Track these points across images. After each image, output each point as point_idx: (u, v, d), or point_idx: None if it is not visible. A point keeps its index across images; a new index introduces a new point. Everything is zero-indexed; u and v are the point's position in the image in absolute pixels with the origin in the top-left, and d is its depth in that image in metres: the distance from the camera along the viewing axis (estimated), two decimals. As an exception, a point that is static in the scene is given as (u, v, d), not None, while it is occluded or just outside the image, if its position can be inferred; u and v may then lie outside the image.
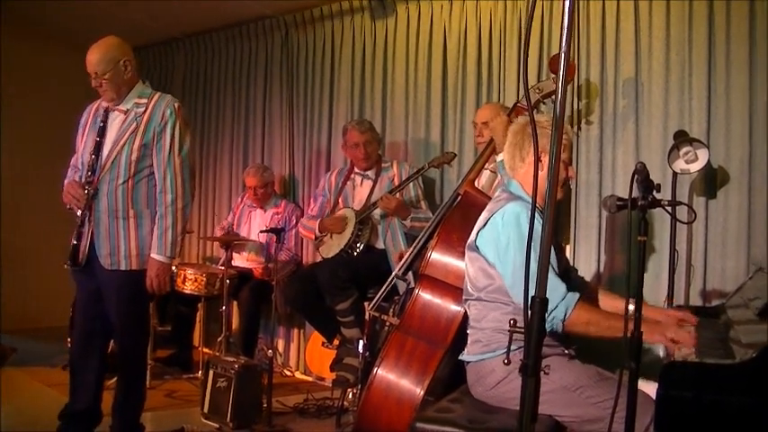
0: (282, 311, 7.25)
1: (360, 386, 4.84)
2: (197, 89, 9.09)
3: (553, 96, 4.58)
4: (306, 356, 7.17)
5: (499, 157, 4.49)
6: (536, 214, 2.34)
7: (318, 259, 6.62)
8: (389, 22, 7.04)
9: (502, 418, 3.44)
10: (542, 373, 2.11)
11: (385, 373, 4.27)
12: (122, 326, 4.73)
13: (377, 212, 6.19)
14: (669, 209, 3.63)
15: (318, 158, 7.64)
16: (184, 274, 6.89)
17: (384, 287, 5.16)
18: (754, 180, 4.85)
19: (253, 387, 5.54)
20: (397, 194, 5.93)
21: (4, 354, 7.04)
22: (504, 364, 2.82)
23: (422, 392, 4.15)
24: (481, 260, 3.68)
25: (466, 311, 3.89)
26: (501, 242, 3.57)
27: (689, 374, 2.80)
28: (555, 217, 4.88)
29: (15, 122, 8.30)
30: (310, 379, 7.31)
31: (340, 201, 6.51)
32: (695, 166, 4.69)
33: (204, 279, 6.83)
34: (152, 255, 4.66)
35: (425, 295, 4.42)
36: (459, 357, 3.79)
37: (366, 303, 5.56)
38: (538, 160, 2.33)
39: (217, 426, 5.48)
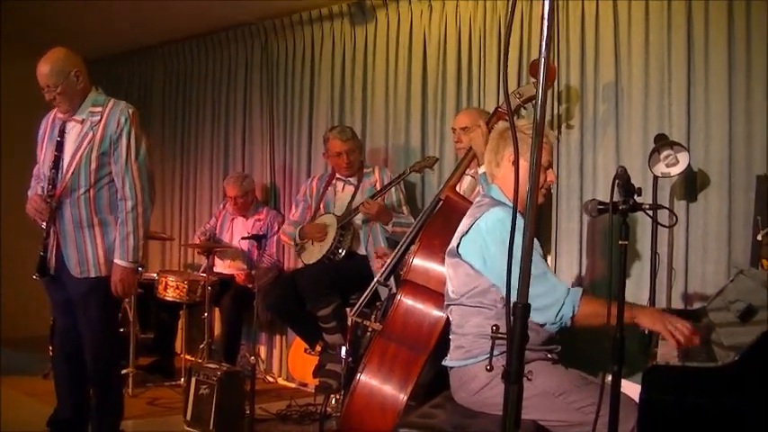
0: (264, 318, 7.23)
1: (343, 392, 4.84)
2: (177, 96, 9.05)
3: (533, 101, 4.60)
4: (288, 363, 7.16)
5: (481, 169, 4.49)
6: (518, 219, 2.33)
7: (300, 265, 6.59)
8: (369, 28, 7.04)
9: (485, 424, 3.43)
10: (525, 379, 2.11)
11: (368, 379, 4.27)
12: (93, 332, 4.72)
13: (358, 218, 6.18)
14: (650, 212, 3.64)
15: (299, 164, 7.62)
16: (166, 282, 6.87)
17: (366, 293, 5.16)
18: (734, 183, 4.87)
19: (235, 394, 5.52)
20: (379, 199, 5.92)
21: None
22: (487, 370, 2.81)
23: (405, 398, 4.15)
24: (465, 266, 3.66)
25: (448, 317, 3.88)
26: (488, 250, 3.56)
27: (672, 377, 2.80)
28: (536, 222, 4.87)
29: (14, 132, 8.27)
30: (293, 385, 7.29)
31: (321, 206, 6.49)
32: (676, 170, 4.70)
33: (186, 286, 6.81)
34: (115, 260, 4.67)
35: (407, 301, 4.42)
36: (443, 363, 3.78)
37: (348, 309, 5.57)
38: (518, 165, 2.32)
39: (199, 433, 5.47)
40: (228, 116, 8.40)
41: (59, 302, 4.84)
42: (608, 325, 3.33)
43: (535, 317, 3.37)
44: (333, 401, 5.60)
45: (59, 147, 4.71)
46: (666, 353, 3.16)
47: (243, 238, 7.07)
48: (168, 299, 6.88)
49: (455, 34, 6.35)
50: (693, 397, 2.77)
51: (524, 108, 5.16)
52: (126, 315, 6.69)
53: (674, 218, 4.73)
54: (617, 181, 3.14)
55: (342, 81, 7.26)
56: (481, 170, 4.51)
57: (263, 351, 7.79)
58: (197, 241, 7.69)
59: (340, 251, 6.11)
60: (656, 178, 4.81)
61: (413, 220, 5.45)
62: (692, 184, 5.05)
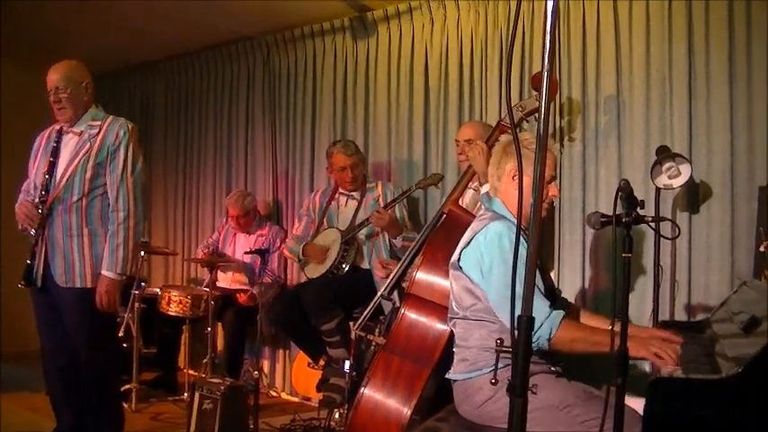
0: (267, 332, 7.23)
1: (347, 406, 4.84)
2: (179, 111, 9.06)
3: (536, 114, 4.61)
4: (292, 377, 7.16)
5: (484, 188, 4.49)
6: (522, 234, 2.34)
7: (303, 280, 6.60)
8: (371, 42, 7.06)
9: (489, 437, 3.44)
10: (532, 393, 2.11)
11: (372, 393, 4.27)
12: (82, 344, 4.71)
13: (362, 232, 6.19)
14: (653, 225, 3.65)
15: (302, 179, 7.63)
16: (169, 296, 6.87)
17: (370, 307, 5.16)
18: (736, 194, 4.87)
19: (239, 408, 5.52)
20: (389, 210, 5.92)
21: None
22: (492, 383, 2.81)
23: (409, 412, 4.16)
24: (465, 279, 3.67)
25: (452, 330, 3.88)
26: (485, 263, 3.56)
27: (675, 390, 2.80)
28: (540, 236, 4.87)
29: (15, 143, 8.28)
30: (296, 399, 7.29)
31: (324, 221, 6.49)
32: (678, 182, 4.70)
33: (189, 301, 6.81)
34: (102, 271, 4.66)
35: (411, 314, 4.42)
36: (446, 376, 3.78)
37: (352, 323, 5.56)
38: (521, 179, 2.33)
39: (204, 448, 5.47)
40: (231, 131, 8.41)
41: (45, 313, 4.80)
42: (590, 353, 3.35)
43: None
44: (337, 416, 5.60)
45: (55, 153, 4.75)
46: (668, 367, 3.16)
47: (246, 253, 7.08)
48: (171, 314, 6.87)
49: (456, 47, 6.37)
50: (697, 409, 2.77)
51: (527, 121, 5.17)
52: (129, 330, 6.68)
53: (677, 230, 4.74)
54: (620, 193, 3.14)
55: (344, 95, 7.28)
56: (483, 189, 4.51)
57: (266, 365, 7.77)
58: (200, 256, 7.69)
59: (343, 266, 6.12)
60: (658, 190, 4.82)
61: (417, 236, 5.45)
62: (694, 196, 5.06)
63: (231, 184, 8.30)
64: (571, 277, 5.55)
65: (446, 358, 3.96)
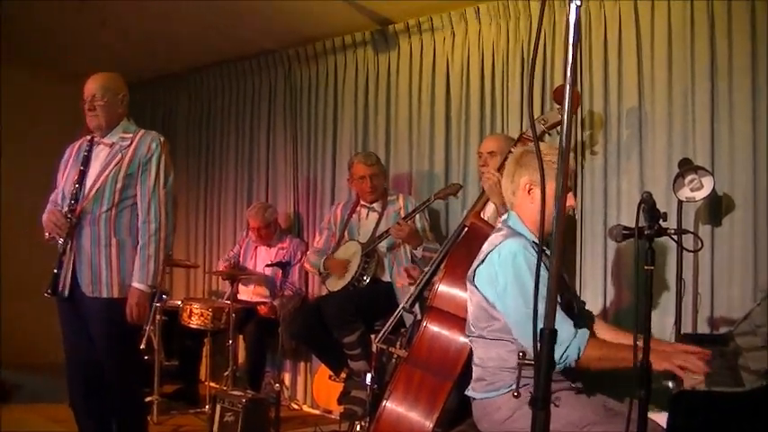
0: (288, 345, 7.22)
1: (368, 419, 4.83)
2: (200, 124, 9.11)
3: (558, 127, 4.60)
4: (313, 389, 7.17)
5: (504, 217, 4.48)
6: (537, 251, 2.33)
7: (324, 292, 6.61)
8: (392, 55, 7.08)
9: (511, 452, 3.43)
10: (552, 406, 2.11)
11: (394, 406, 4.27)
12: (107, 355, 4.70)
13: (383, 245, 6.21)
14: (675, 237, 3.64)
15: (323, 192, 7.65)
16: (190, 309, 6.89)
17: (391, 319, 5.16)
18: (759, 207, 4.86)
19: (260, 421, 5.54)
20: (409, 222, 5.93)
21: (5, 391, 7.04)
22: (515, 396, 2.81)
23: (431, 425, 4.14)
24: (479, 296, 3.64)
25: (472, 344, 3.87)
26: (499, 283, 3.52)
27: (699, 403, 2.79)
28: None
29: (16, 154, 8.34)
30: (318, 412, 7.29)
31: (346, 234, 6.51)
32: (700, 194, 4.69)
33: (210, 313, 6.83)
34: (133, 283, 4.66)
35: (433, 327, 4.41)
36: (465, 393, 3.77)
37: (373, 336, 5.56)
38: (544, 193, 2.32)
39: (225, 461, 5.48)
40: (252, 144, 8.45)
41: (71, 323, 4.80)
42: (615, 369, 3.33)
43: None
44: (358, 428, 5.59)
45: (86, 161, 4.77)
46: (692, 377, 3.15)
47: (267, 266, 7.09)
48: (193, 326, 6.90)
49: (478, 61, 6.39)
50: (721, 423, 2.77)
51: (549, 134, 5.14)
52: (150, 342, 6.70)
53: (700, 242, 4.72)
54: (642, 206, 3.14)
55: (365, 108, 7.30)
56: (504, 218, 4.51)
57: (287, 378, 7.80)
58: (221, 269, 7.72)
59: (365, 278, 6.13)
60: (680, 203, 4.80)
61: (440, 247, 5.45)
62: (716, 209, 5.05)
63: (252, 197, 8.34)
64: (593, 290, 5.53)
65: (468, 371, 3.95)
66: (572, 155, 5.49)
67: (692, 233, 4.14)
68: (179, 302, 7.25)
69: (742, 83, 4.97)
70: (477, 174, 5.79)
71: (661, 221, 3.19)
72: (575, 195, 5.57)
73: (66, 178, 4.86)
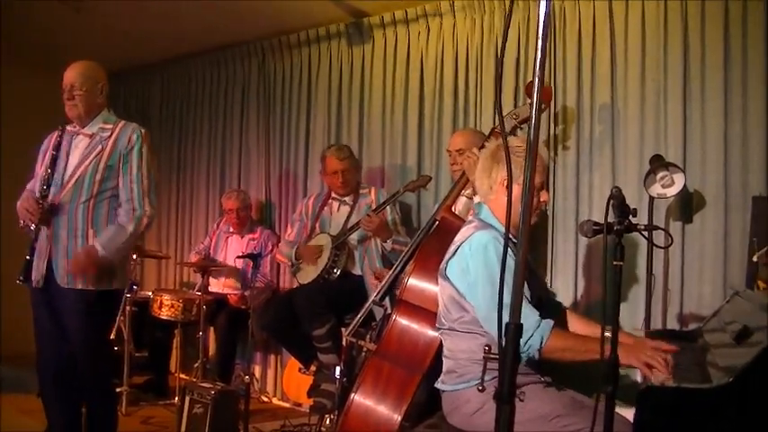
0: (259, 338, 7.20)
1: (337, 412, 4.82)
2: (174, 114, 9.09)
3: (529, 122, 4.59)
4: (283, 382, 7.16)
5: (476, 199, 4.47)
6: (508, 242, 2.32)
7: (295, 285, 6.59)
8: (366, 48, 7.06)
9: (479, 446, 3.43)
10: (518, 400, 2.10)
11: (362, 399, 4.26)
12: (79, 346, 4.66)
13: (353, 238, 6.19)
14: (645, 233, 3.64)
15: (295, 183, 7.63)
16: (161, 300, 6.87)
17: (361, 313, 5.15)
18: (730, 204, 4.88)
19: (229, 413, 5.51)
20: (379, 214, 5.92)
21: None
22: (479, 390, 2.79)
23: (399, 418, 4.13)
24: (451, 289, 3.64)
25: (442, 337, 3.86)
26: (470, 274, 3.54)
27: (666, 399, 2.79)
28: (529, 243, 4.87)
29: (14, 149, 8.28)
30: (287, 405, 7.29)
31: (317, 226, 6.49)
32: (672, 191, 4.70)
33: (181, 305, 6.81)
34: (96, 241, 4.62)
35: (403, 321, 4.40)
36: (435, 385, 3.76)
37: (343, 329, 5.54)
38: (511, 186, 2.31)
39: (193, 453, 5.45)
40: (225, 135, 8.42)
41: (43, 314, 4.75)
42: (580, 361, 3.33)
43: None
44: (327, 421, 5.59)
45: (57, 147, 4.75)
46: (659, 376, 3.15)
47: (238, 257, 7.05)
48: (163, 317, 6.88)
49: (452, 55, 6.37)
50: (688, 418, 2.76)
51: (521, 129, 5.12)
52: (121, 333, 6.67)
53: (670, 239, 4.73)
54: (611, 201, 3.14)
55: (339, 101, 7.28)
56: (477, 199, 4.50)
57: (257, 370, 7.78)
58: (192, 260, 7.70)
59: (335, 271, 6.10)
60: (651, 199, 4.81)
61: (409, 240, 5.44)
62: (687, 206, 5.06)
63: (225, 187, 8.29)
64: (564, 285, 5.54)
65: (437, 364, 3.95)
66: (548, 152, 5.51)
67: (662, 229, 4.15)
68: (150, 293, 7.24)
69: (714, 81, 4.98)
70: (449, 169, 5.77)
71: (631, 217, 3.19)
72: (547, 190, 5.57)
73: (43, 167, 4.81)
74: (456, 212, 4.95)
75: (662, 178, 4.71)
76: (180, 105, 9.03)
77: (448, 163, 5.76)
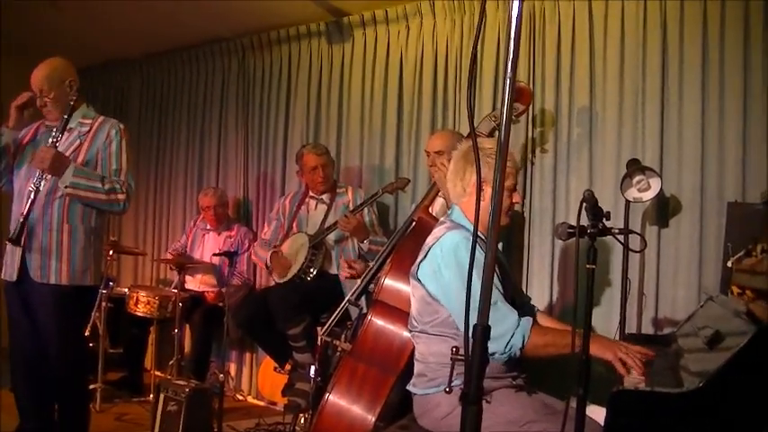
0: (234, 335, 7.19)
1: (311, 411, 4.82)
2: (153, 109, 9.04)
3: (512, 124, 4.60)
4: (258, 381, 7.15)
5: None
6: (478, 243, 2.32)
7: (272, 283, 6.58)
8: (346, 47, 7.06)
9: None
10: (486, 403, 2.09)
11: (336, 399, 4.25)
12: (52, 341, 4.65)
13: (330, 237, 6.19)
14: (620, 237, 3.65)
15: (273, 182, 7.62)
16: (137, 297, 6.84)
17: (336, 312, 5.15)
18: (705, 209, 4.90)
19: (204, 411, 5.49)
20: (357, 215, 5.92)
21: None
22: (446, 392, 2.80)
23: (373, 419, 4.14)
24: (422, 291, 3.65)
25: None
26: (442, 276, 3.54)
27: (638, 402, 2.80)
28: (505, 245, 4.90)
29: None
30: (262, 403, 7.28)
31: (294, 225, 6.48)
32: (648, 195, 4.72)
33: (157, 302, 6.78)
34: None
35: (378, 321, 4.40)
36: (407, 388, 3.77)
37: (319, 328, 5.54)
38: (479, 187, 2.30)
39: (167, 450, 5.43)
40: (204, 131, 8.39)
41: (17, 308, 4.75)
42: (560, 355, 3.34)
43: None
44: (301, 420, 5.58)
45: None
46: (633, 377, 3.16)
47: (214, 255, 7.04)
48: (139, 314, 6.84)
49: (432, 55, 6.38)
50: (659, 422, 2.78)
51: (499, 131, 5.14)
52: (96, 329, 6.64)
53: (644, 243, 4.75)
54: (584, 204, 3.15)
55: (318, 99, 7.27)
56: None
57: (232, 368, 7.77)
58: (169, 257, 7.67)
59: (311, 270, 6.09)
60: (627, 203, 4.83)
61: (386, 240, 5.44)
62: (663, 210, 5.08)
63: (203, 184, 8.26)
64: (539, 288, 5.55)
65: (412, 366, 3.95)
66: (518, 152, 5.51)
67: (636, 233, 4.15)
68: (125, 290, 7.22)
69: (692, 85, 5.00)
70: (427, 170, 5.77)
71: (605, 220, 3.20)
72: (523, 193, 5.58)
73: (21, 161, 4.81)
74: (433, 213, 4.96)
75: (638, 182, 4.72)
76: (159, 101, 8.99)
77: (426, 164, 5.76)
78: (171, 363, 6.87)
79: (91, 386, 6.29)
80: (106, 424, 6.15)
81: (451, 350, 2.42)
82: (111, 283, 6.96)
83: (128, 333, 7.45)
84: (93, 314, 6.47)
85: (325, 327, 5.14)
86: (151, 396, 6.33)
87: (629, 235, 4.40)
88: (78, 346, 5.00)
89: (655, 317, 5.05)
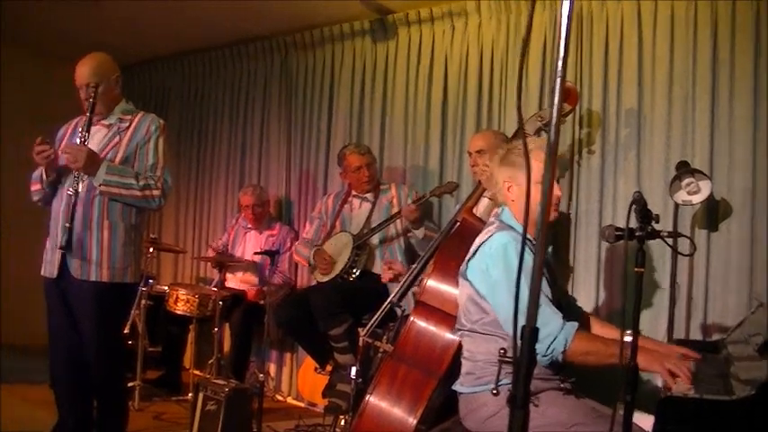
0: (275, 335, 7.20)
1: (351, 413, 4.81)
2: (194, 108, 9.09)
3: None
4: (298, 381, 7.15)
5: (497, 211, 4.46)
6: (527, 245, 2.30)
7: (313, 283, 6.59)
8: (390, 46, 7.05)
9: (493, 451, 3.41)
10: (534, 406, 2.08)
11: (377, 401, 4.25)
12: (92, 340, 4.67)
13: (375, 237, 6.19)
14: (669, 240, 3.62)
15: (315, 181, 7.63)
16: (177, 295, 6.87)
17: (379, 313, 5.13)
18: (756, 213, 4.85)
19: (243, 411, 5.50)
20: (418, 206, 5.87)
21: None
22: (493, 394, 2.79)
23: (414, 421, 4.13)
24: (471, 290, 3.65)
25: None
26: (490, 275, 3.55)
27: (686, 410, 2.78)
28: (553, 247, 4.87)
29: (16, 136, 8.32)
30: (302, 404, 7.28)
31: (337, 224, 6.50)
32: (697, 198, 4.68)
33: (197, 300, 6.79)
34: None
35: (420, 323, 4.39)
36: (453, 387, 3.76)
37: (360, 329, 5.54)
38: (529, 188, 2.28)
39: (206, 450, 5.45)
40: (246, 129, 8.42)
41: (57, 305, 4.76)
42: (604, 365, 3.31)
43: None
44: (342, 422, 5.57)
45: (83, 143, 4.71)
46: (682, 386, 3.13)
47: (256, 253, 7.07)
48: (178, 312, 6.86)
49: (477, 55, 6.36)
50: (708, 430, 2.75)
51: (545, 131, 5.11)
52: (135, 327, 6.69)
53: (694, 247, 4.70)
54: (633, 206, 3.12)
55: (361, 98, 7.28)
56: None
57: (272, 369, 7.78)
58: (210, 255, 7.70)
59: (354, 270, 6.12)
60: (677, 206, 4.79)
61: (439, 229, 5.42)
62: (713, 213, 5.03)
63: (244, 182, 8.27)
64: (585, 290, 5.51)
65: (455, 368, 3.94)
66: (575, 157, 5.49)
67: (686, 237, 4.12)
68: (165, 288, 7.26)
69: (743, 87, 4.95)
70: (471, 171, 5.74)
71: (654, 223, 3.17)
72: (569, 194, 5.55)
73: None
74: (478, 214, 4.95)
75: (688, 185, 4.68)
76: (200, 99, 9.04)
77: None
78: (210, 362, 6.88)
79: (129, 384, 6.33)
80: (145, 422, 6.17)
81: (499, 351, 2.41)
82: (150, 281, 7.00)
83: (167, 331, 7.47)
84: (132, 312, 6.52)
85: (367, 328, 5.13)
86: (190, 395, 6.34)
87: (678, 238, 4.36)
88: (117, 343, 5.00)
89: (703, 323, 5.00)
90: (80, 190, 4.63)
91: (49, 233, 4.77)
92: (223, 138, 8.68)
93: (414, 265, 5.14)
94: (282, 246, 7.36)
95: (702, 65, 5.12)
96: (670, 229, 4.68)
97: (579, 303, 4.22)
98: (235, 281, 7.52)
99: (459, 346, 3.90)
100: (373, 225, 6.20)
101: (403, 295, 5.08)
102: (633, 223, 3.15)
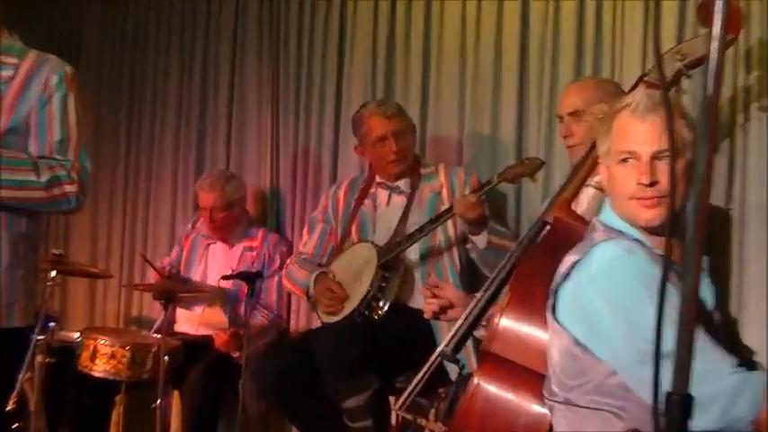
0: (254, 409, 7.20)
1: None
2: (121, 53, 9.10)
3: (702, 64, 4.56)
4: (292, 485, 7.16)
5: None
6: (652, 257, 2.28)
7: (317, 324, 6.57)
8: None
9: None
10: None
11: None
12: None
13: (414, 250, 6.14)
14: None
15: (318, 164, 7.64)
16: (95, 347, 6.78)
17: (422, 372, 5.09)
18: None
19: None
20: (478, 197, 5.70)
21: None
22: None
23: None
24: (565, 337, 3.60)
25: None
26: (595, 311, 3.49)
27: None
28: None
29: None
30: None
31: (353, 230, 6.46)
32: None
33: (128, 354, 6.74)
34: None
35: (490, 387, 4.34)
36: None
37: (392, 399, 5.54)
38: (674, 169, 2.27)
39: None
40: (207, 85, 8.42)
41: None
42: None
43: None
44: None
45: None
46: None
47: (224, 278, 7.01)
48: (98, 375, 6.79)
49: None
50: None
51: (688, 76, 5.08)
52: (25, 400, 6.63)
53: None
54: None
55: (389, 41, 7.28)
56: None
57: (250, 464, 7.77)
58: (151, 281, 7.68)
59: (381, 303, 6.04)
60: None
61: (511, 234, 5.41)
62: None
63: (204, 167, 8.32)
64: (758, 321, 5.44)
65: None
66: (739, 116, 5.48)
67: None
68: (77, 335, 7.19)
69: None
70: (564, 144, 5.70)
71: None
72: (729, 178, 5.54)
73: None
74: (578, 211, 4.92)
75: None
76: (132, 38, 9.04)
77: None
78: (149, 456, 6.89)
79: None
80: None
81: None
82: (51, 324, 6.97)
83: (78, 406, 7.45)
84: (20, 376, 6.49)
85: (404, 397, 5.09)
86: None
87: None
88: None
89: None
90: None
91: None
92: (170, 99, 8.68)
93: (477, 294, 5.12)
94: (267, 265, 7.31)
95: None
96: None
97: (754, 340, 4.20)
98: (191, 321, 7.49)
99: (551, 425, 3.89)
100: (410, 230, 6.13)
101: (460, 342, 5.05)
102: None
